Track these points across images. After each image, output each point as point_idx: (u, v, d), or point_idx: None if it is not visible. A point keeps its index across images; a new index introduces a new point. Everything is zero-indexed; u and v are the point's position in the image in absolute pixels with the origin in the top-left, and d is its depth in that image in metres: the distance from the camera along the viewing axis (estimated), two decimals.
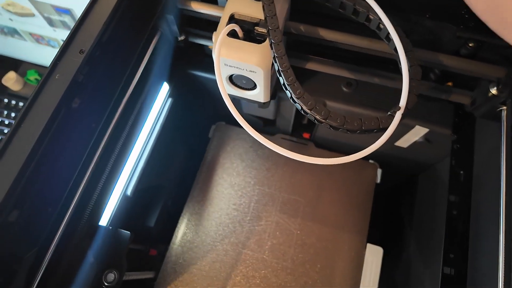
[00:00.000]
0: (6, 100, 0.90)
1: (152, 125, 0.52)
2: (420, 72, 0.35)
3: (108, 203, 0.45)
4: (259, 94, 0.47)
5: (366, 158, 0.69)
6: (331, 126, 0.34)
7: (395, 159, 0.64)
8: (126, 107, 0.43)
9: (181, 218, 0.61)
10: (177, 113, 0.61)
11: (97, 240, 0.41)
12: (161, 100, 0.54)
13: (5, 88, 0.91)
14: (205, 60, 0.57)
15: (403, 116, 0.33)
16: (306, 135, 0.70)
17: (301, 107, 0.34)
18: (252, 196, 0.64)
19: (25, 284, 0.33)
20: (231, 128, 0.69)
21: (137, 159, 0.50)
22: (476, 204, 0.46)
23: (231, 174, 0.65)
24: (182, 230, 0.60)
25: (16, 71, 0.92)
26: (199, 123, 0.72)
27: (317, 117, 0.33)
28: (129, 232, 0.43)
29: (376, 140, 0.34)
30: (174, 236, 0.60)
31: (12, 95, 0.91)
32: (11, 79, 0.91)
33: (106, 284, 0.41)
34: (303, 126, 0.70)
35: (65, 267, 0.39)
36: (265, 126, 0.69)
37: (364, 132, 0.34)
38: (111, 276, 0.41)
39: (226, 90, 0.47)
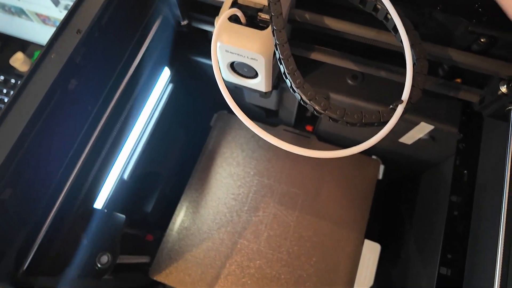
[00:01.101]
0: (13, 81, 0.91)
1: (152, 110, 0.51)
2: (426, 66, 0.34)
3: (104, 186, 0.45)
4: (261, 83, 0.46)
5: (369, 153, 0.68)
6: (330, 118, 0.33)
7: (398, 156, 0.63)
8: (125, 90, 0.43)
9: (179, 205, 0.61)
10: (178, 99, 0.60)
11: (92, 223, 0.41)
12: (161, 84, 0.53)
13: (13, 68, 0.92)
14: (208, 46, 0.55)
15: (405, 110, 0.32)
16: (309, 128, 0.69)
17: (301, 97, 0.33)
18: (251, 186, 0.63)
19: (16, 262, 0.33)
20: (233, 117, 0.68)
21: (135, 143, 0.49)
22: (478, 205, 0.45)
23: (231, 164, 0.65)
24: (179, 217, 0.61)
25: (24, 52, 0.92)
26: (201, 111, 0.71)
27: (317, 108, 0.32)
28: (124, 216, 0.43)
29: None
30: (171, 223, 0.60)
31: (20, 75, 0.91)
32: (18, 60, 0.91)
33: (99, 266, 0.41)
34: (307, 119, 0.68)
35: (58, 247, 0.39)
36: (267, 117, 0.68)
37: (364, 125, 0.33)
38: (104, 258, 0.41)
39: (227, 77, 0.47)
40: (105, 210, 0.44)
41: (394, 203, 0.75)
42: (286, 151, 0.70)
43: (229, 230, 0.60)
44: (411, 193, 0.69)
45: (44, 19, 0.79)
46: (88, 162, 0.41)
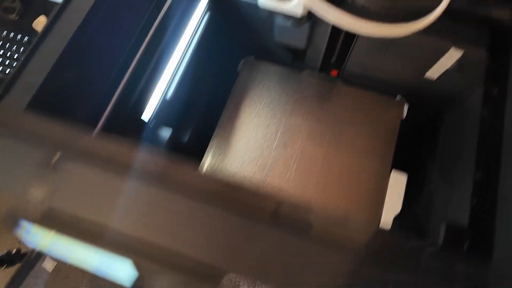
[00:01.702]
0: None
1: (191, 36, 0.53)
2: None
3: (150, 101, 0.47)
4: (298, 5, 0.47)
5: (394, 94, 0.69)
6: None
7: (422, 94, 0.65)
8: (169, 9, 0.45)
9: (211, 141, 0.63)
10: (213, 34, 0.61)
11: (142, 131, 0.43)
12: (200, 11, 0.55)
13: (35, 32, 0.93)
14: None
15: None
16: (334, 73, 0.70)
17: None
18: (279, 125, 0.65)
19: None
20: (260, 63, 0.70)
21: (176, 65, 0.51)
22: (509, 119, 0.46)
23: (259, 106, 0.67)
24: (212, 151, 0.63)
25: (47, 15, 0.94)
26: (231, 53, 0.73)
27: None
28: (170, 128, 0.45)
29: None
30: (204, 156, 0.62)
31: None
32: (41, 23, 0.92)
33: None
34: (331, 65, 0.70)
35: None
36: (294, 61, 0.70)
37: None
38: None
39: (265, 1, 0.48)
40: (153, 121, 0.46)
41: (418, 141, 0.77)
42: (312, 93, 0.71)
43: (260, 163, 0.62)
44: (434, 131, 0.70)
45: None
46: (137, 71, 0.43)
